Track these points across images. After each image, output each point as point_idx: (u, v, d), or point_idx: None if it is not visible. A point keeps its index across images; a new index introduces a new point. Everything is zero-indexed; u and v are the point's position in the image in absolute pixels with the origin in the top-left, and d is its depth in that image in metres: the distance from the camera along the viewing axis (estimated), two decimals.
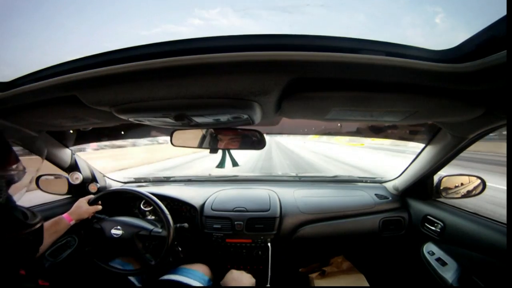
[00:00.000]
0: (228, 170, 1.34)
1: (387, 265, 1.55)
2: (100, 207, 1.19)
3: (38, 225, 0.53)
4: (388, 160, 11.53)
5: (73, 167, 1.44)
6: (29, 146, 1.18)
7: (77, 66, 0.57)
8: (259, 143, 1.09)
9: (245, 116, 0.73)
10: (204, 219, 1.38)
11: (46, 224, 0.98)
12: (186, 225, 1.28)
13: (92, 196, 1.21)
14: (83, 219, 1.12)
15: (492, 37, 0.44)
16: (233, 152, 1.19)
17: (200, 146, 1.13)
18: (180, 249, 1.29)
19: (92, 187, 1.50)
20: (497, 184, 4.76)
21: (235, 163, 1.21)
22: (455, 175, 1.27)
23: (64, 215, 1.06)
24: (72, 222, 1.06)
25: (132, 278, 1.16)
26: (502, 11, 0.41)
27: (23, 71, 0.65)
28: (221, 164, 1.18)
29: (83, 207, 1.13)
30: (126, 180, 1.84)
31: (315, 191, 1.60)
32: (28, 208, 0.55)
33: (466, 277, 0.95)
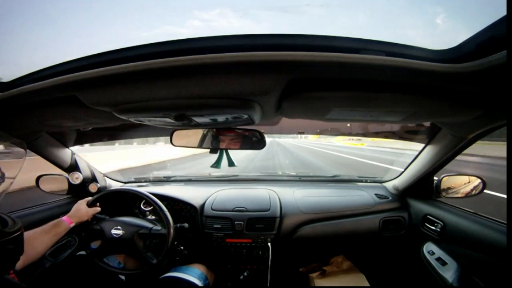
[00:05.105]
0: (225, 170, 1.31)
1: (387, 265, 1.55)
2: (99, 209, 1.18)
3: (18, 233, 0.51)
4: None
5: (73, 167, 1.43)
6: (29, 146, 1.18)
7: (77, 66, 0.57)
8: (259, 143, 1.09)
9: (245, 116, 0.73)
10: (204, 219, 1.38)
11: (46, 226, 0.99)
12: (186, 225, 1.28)
13: (90, 198, 1.20)
14: (83, 221, 1.12)
15: (492, 37, 0.44)
16: (230, 152, 1.17)
17: (200, 146, 1.12)
18: (182, 248, 1.29)
19: (92, 187, 1.50)
20: None
21: (231, 163, 1.19)
22: (455, 175, 1.27)
23: (64, 217, 1.05)
24: (72, 225, 1.06)
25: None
26: (502, 11, 0.41)
27: (23, 71, 0.65)
28: (216, 164, 1.15)
29: (82, 209, 1.13)
30: (126, 180, 1.84)
31: (315, 190, 1.60)
32: (8, 215, 0.53)
33: (466, 277, 0.95)
